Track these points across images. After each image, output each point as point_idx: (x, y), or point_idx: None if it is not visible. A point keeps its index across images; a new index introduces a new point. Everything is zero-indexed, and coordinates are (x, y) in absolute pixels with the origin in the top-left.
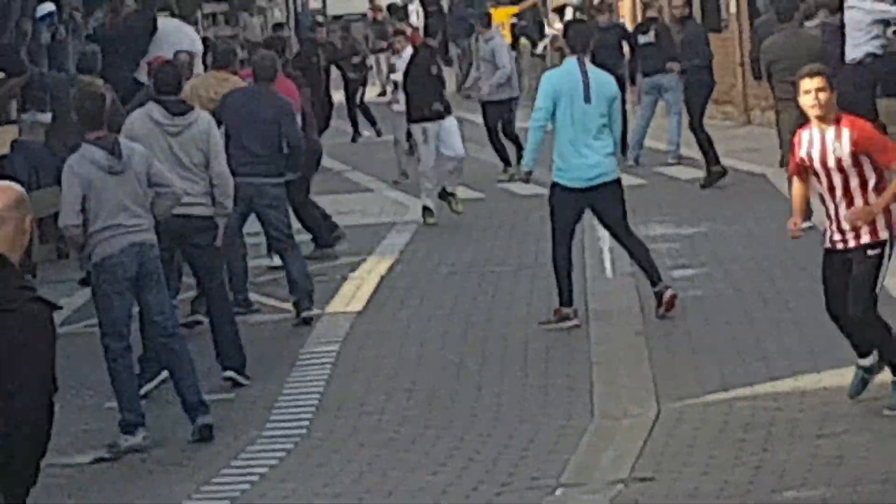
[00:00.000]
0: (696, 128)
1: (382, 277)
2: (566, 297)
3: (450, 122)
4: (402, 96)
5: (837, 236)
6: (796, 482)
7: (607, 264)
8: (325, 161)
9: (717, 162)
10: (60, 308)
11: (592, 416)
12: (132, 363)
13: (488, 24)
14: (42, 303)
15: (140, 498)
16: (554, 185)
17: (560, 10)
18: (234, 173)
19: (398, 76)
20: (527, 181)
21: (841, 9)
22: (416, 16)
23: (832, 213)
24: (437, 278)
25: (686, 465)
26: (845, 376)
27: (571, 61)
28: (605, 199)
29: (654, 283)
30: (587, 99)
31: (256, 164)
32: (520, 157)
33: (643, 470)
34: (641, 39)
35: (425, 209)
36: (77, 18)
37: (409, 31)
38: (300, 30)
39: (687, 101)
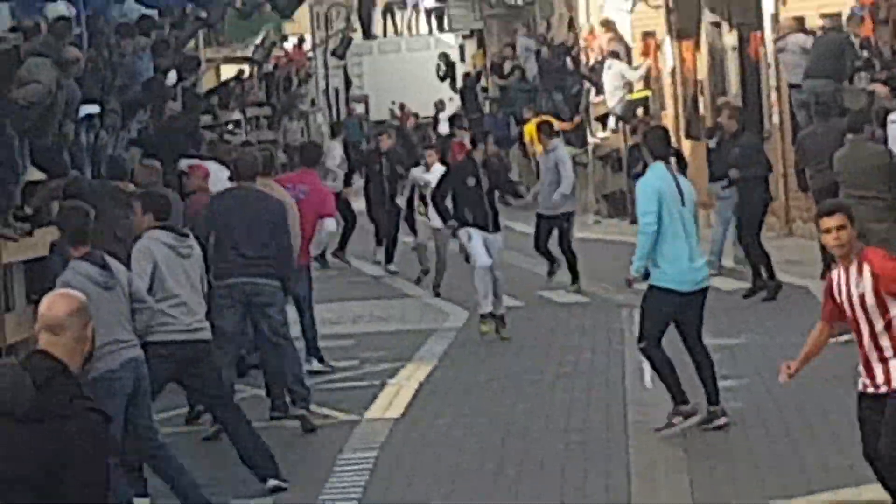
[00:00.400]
0: (751, 242)
1: (421, 384)
2: (681, 396)
3: (494, 238)
4: (431, 211)
5: (868, 380)
6: None
7: (646, 374)
8: (366, 267)
9: (773, 276)
10: (110, 418)
11: None
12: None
13: (550, 134)
14: (98, 413)
15: None
16: (656, 289)
17: (603, 119)
18: (230, 274)
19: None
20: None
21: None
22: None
23: (862, 356)
24: (476, 386)
25: None
26: (884, 492)
27: (659, 166)
28: (697, 304)
29: (710, 402)
30: (683, 202)
31: (250, 266)
32: (575, 276)
33: None
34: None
35: (483, 317)
36: (117, 123)
37: (460, 140)
38: (347, 135)
39: (742, 215)
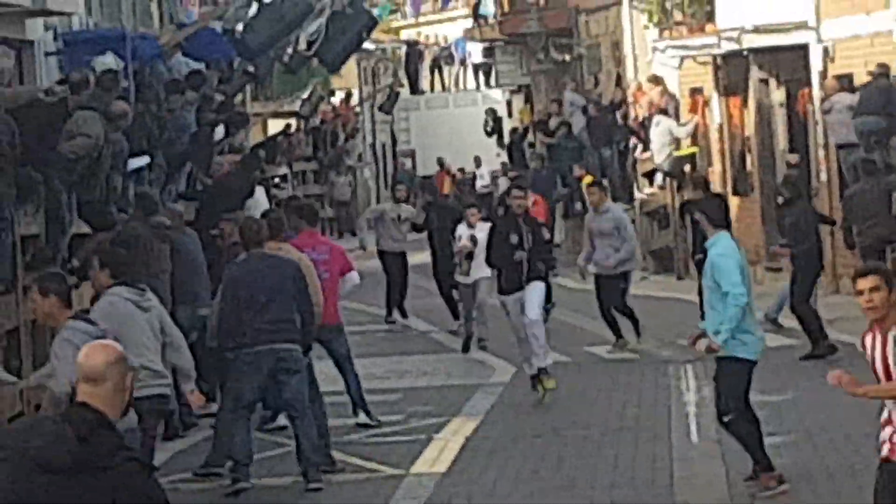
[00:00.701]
0: (800, 305)
1: (467, 439)
2: (766, 461)
3: (533, 286)
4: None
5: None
6: None
7: (693, 428)
8: (413, 321)
9: (826, 336)
10: (157, 469)
11: None
12: None
13: (605, 194)
14: (140, 463)
15: None
16: (734, 360)
17: (650, 175)
18: (257, 342)
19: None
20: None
21: None
22: (485, 178)
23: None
24: (523, 442)
25: None
26: None
27: (726, 235)
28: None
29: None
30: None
31: (276, 333)
32: (637, 332)
33: None
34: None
35: (535, 377)
36: (161, 177)
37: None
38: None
39: (794, 282)
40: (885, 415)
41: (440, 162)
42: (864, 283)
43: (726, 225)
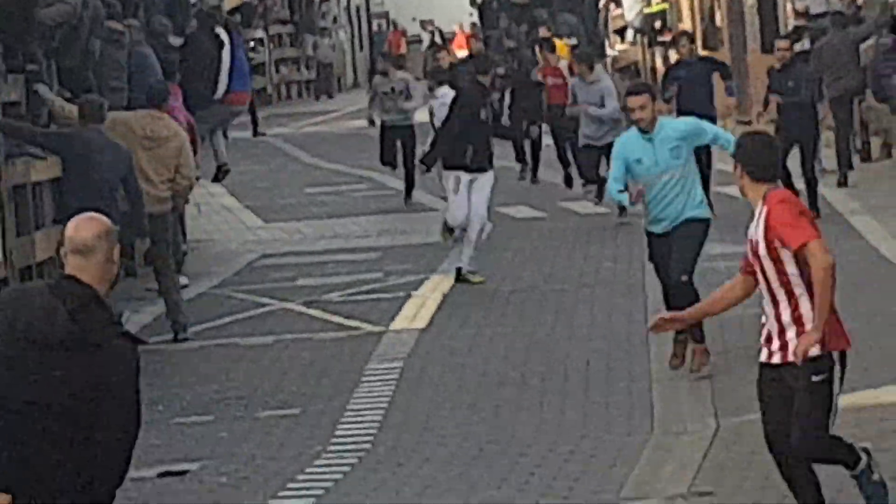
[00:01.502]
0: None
1: (445, 295)
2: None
3: (486, 178)
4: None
5: (767, 349)
6: (854, 495)
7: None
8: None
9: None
10: (146, 343)
11: (652, 431)
12: None
13: (591, 66)
14: (129, 339)
15: None
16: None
17: (621, 32)
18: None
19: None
20: None
21: None
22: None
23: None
24: (500, 297)
25: (745, 479)
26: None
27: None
28: None
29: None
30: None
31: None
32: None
33: (702, 484)
34: None
35: (458, 272)
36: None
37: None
38: (374, 51)
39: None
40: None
41: (393, 23)
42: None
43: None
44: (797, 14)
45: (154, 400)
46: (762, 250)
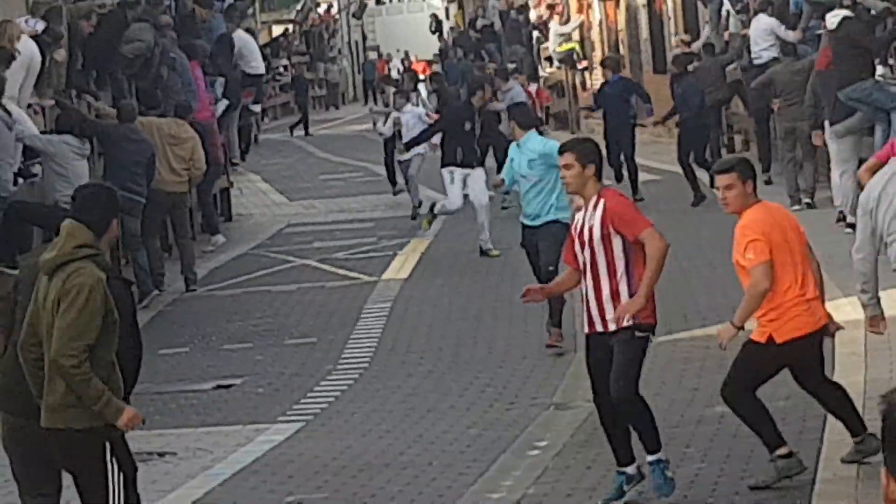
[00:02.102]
0: (684, 157)
1: (422, 255)
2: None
3: (478, 173)
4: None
5: (590, 320)
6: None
7: None
8: (380, 169)
9: (698, 188)
10: (133, 283)
11: (576, 353)
12: None
13: (506, 79)
14: (123, 281)
15: (246, 415)
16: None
17: (549, 59)
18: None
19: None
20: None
21: None
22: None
23: (589, 296)
24: (462, 257)
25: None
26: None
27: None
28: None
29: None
30: None
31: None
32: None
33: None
34: None
35: (481, 249)
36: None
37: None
38: (365, 75)
39: (680, 142)
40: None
41: (378, 52)
42: (720, 181)
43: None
44: (680, 43)
45: (208, 332)
46: (597, 235)
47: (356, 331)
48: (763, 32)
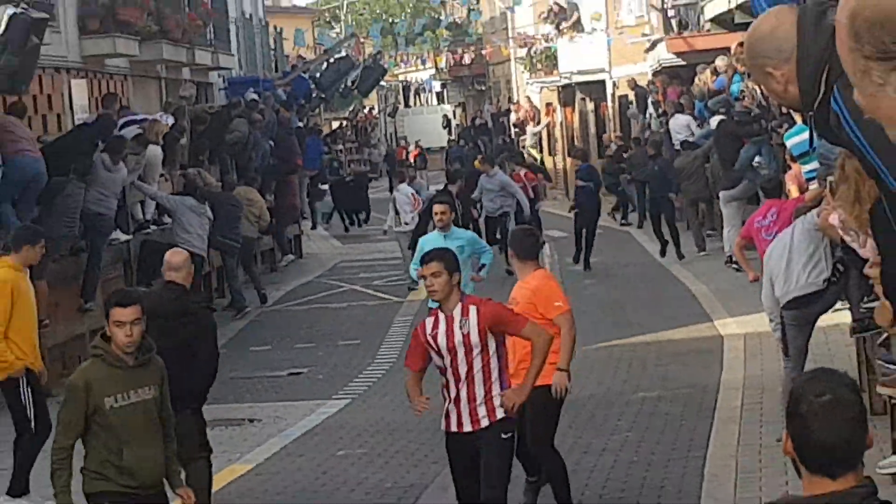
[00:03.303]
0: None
1: None
2: None
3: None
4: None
5: (457, 420)
6: (646, 385)
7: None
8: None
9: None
10: (215, 310)
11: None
12: None
13: (492, 165)
14: (208, 308)
15: (310, 394)
16: None
17: (524, 148)
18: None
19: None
20: None
21: None
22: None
23: (454, 397)
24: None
25: (592, 377)
26: (684, 330)
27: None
28: None
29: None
30: None
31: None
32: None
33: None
34: None
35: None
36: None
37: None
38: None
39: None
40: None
41: (397, 141)
42: (427, 270)
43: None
44: (616, 138)
45: (284, 335)
46: (475, 341)
47: (388, 336)
48: (681, 127)
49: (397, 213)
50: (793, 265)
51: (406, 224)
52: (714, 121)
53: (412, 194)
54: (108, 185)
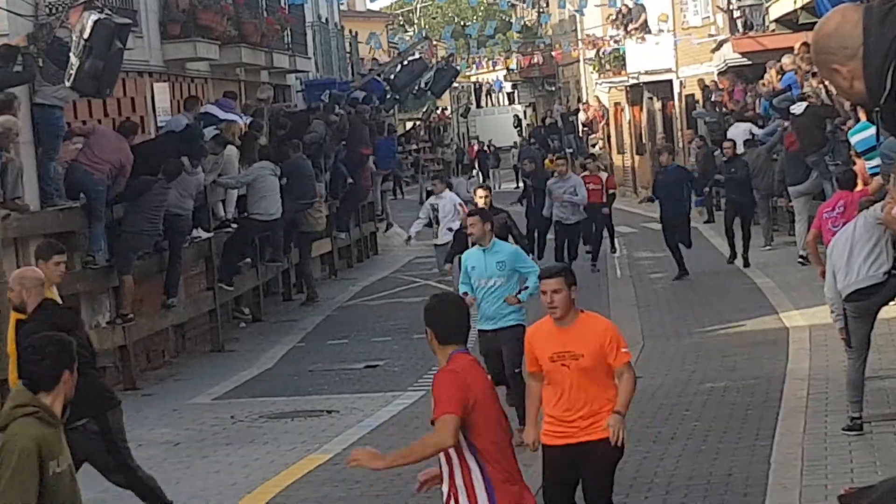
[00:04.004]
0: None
1: None
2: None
3: None
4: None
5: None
6: (713, 376)
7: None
8: None
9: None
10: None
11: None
12: None
13: (567, 168)
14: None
15: (386, 385)
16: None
17: (593, 145)
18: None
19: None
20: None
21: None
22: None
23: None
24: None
25: (661, 369)
26: (750, 322)
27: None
28: None
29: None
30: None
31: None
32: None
33: (637, 372)
34: None
35: None
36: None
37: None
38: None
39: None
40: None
41: (469, 140)
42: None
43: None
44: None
45: (360, 329)
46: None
47: None
48: (742, 133)
49: (438, 223)
50: (854, 257)
51: (444, 233)
52: (800, 106)
53: (458, 204)
54: (185, 187)
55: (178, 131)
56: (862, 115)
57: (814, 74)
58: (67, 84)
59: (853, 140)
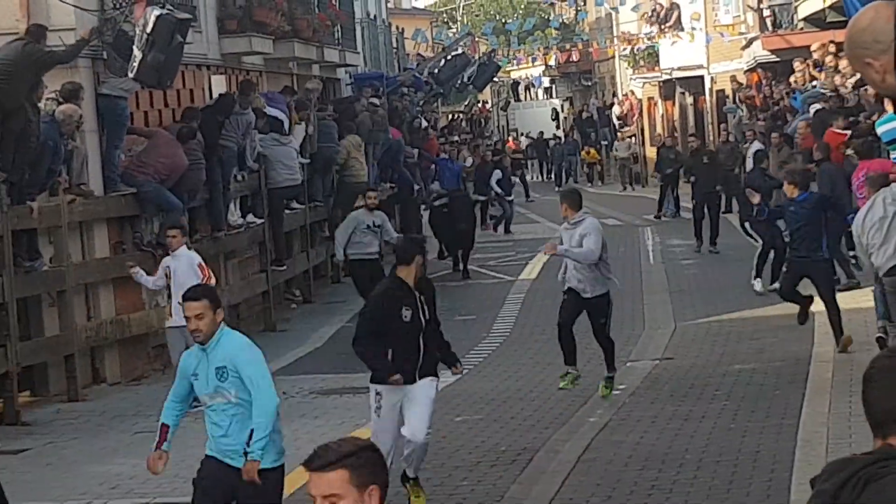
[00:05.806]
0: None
1: (545, 262)
2: None
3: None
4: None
5: None
6: (742, 358)
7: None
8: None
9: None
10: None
11: (644, 328)
12: None
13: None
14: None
15: None
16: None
17: (625, 137)
18: None
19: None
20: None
21: None
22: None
23: None
24: None
25: (692, 350)
26: (777, 306)
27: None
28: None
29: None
30: None
31: None
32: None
33: (669, 353)
34: None
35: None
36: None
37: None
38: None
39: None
40: None
41: (508, 132)
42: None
43: None
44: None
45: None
46: None
47: (501, 312)
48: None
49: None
50: (890, 236)
51: None
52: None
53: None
54: (283, 159)
55: (212, 104)
56: (889, 107)
57: (835, 69)
58: (131, 75)
59: (879, 131)
